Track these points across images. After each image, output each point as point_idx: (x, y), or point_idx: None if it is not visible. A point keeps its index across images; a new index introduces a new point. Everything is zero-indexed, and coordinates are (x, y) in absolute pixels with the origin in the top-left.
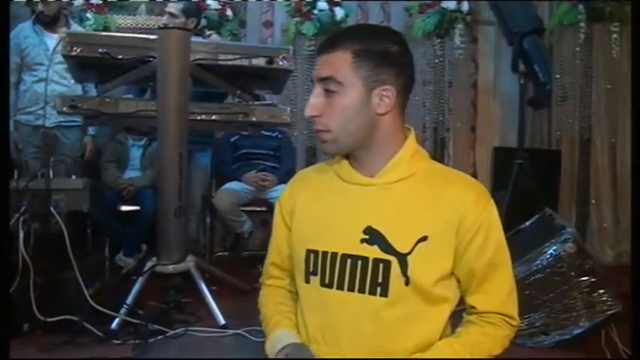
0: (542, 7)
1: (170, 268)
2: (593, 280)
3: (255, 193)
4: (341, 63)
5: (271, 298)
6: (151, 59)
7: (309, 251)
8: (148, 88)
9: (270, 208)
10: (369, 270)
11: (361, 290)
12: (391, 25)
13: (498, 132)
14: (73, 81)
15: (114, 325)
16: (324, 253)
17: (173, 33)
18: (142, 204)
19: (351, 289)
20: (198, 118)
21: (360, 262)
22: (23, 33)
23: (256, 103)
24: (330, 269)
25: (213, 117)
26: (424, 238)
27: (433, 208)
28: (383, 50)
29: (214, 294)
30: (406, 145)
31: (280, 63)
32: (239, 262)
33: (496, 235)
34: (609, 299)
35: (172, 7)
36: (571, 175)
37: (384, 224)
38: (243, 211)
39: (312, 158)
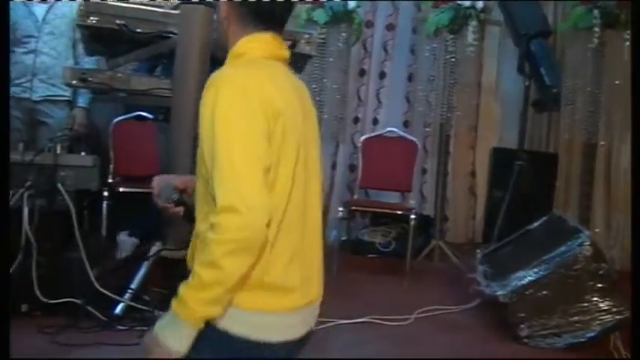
0: (547, 7)
1: (180, 254)
2: (605, 284)
3: None
4: None
5: None
6: (170, 35)
7: None
8: (159, 66)
9: None
10: None
11: None
12: (399, 19)
13: (498, 132)
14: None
15: (118, 310)
16: None
17: (198, 9)
18: None
19: None
20: None
21: None
22: (13, 6)
23: None
24: None
25: None
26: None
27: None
28: None
29: None
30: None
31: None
32: None
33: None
34: (619, 304)
35: None
36: (567, 178)
37: None
38: None
39: None
